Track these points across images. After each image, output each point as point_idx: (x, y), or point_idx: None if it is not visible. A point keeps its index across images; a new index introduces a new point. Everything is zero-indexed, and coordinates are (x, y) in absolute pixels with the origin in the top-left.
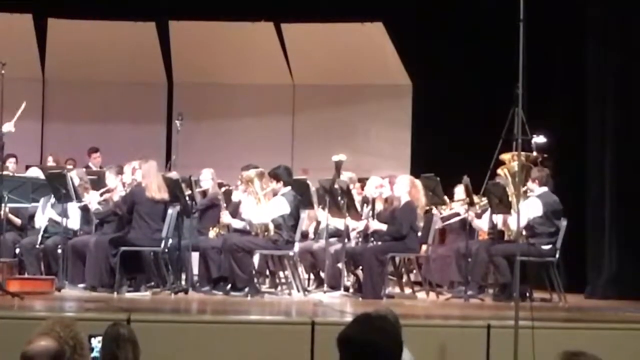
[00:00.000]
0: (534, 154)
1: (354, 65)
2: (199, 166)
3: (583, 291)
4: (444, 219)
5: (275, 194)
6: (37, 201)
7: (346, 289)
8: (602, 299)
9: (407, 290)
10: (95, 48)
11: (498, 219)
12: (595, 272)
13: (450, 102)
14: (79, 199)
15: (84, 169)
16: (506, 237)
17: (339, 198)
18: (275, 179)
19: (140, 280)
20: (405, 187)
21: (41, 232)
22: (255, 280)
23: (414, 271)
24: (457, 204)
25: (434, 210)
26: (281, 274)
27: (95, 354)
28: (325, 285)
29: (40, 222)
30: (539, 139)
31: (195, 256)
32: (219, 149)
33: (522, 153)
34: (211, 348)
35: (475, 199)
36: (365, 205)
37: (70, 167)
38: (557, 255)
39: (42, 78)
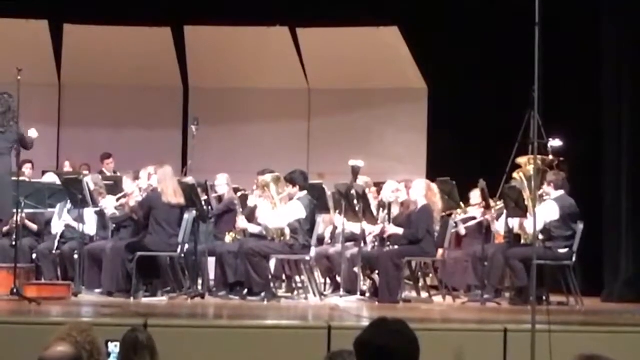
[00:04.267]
0: (550, 157)
1: (369, 69)
2: (215, 171)
3: (600, 294)
4: (464, 221)
5: (291, 199)
6: (54, 207)
7: (362, 293)
8: (619, 302)
9: (424, 294)
10: (111, 53)
11: (514, 222)
12: (612, 275)
13: (466, 105)
14: (95, 204)
15: (99, 174)
16: (522, 241)
17: (355, 202)
18: (291, 184)
19: (156, 285)
20: (422, 191)
21: (58, 238)
22: (272, 284)
23: (431, 275)
24: (473, 208)
25: (453, 214)
26: (297, 278)
27: (112, 358)
28: (342, 289)
29: (57, 227)
30: (555, 142)
31: (211, 261)
32: (234, 154)
33: (538, 156)
34: (228, 353)
35: (491, 202)
36: (381, 209)
37: (86, 172)
38: (574, 259)
39: (58, 83)
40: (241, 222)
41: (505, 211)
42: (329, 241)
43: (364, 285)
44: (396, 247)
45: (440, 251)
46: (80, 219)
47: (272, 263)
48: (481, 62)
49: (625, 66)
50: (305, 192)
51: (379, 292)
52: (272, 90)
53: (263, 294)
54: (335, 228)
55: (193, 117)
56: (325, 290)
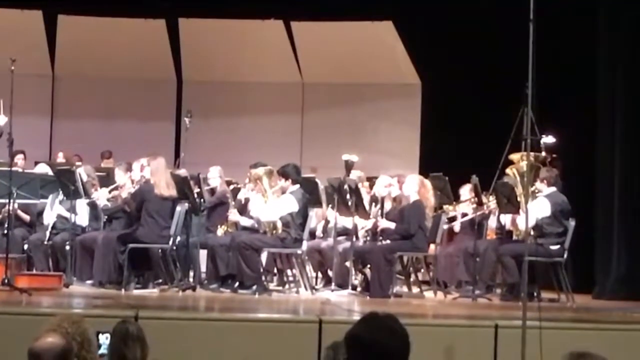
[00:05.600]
0: (543, 154)
1: (363, 63)
2: (208, 164)
3: (591, 291)
4: (459, 217)
5: (283, 192)
6: (46, 197)
7: (354, 288)
8: (610, 299)
9: (415, 290)
10: (105, 45)
11: (506, 218)
12: (603, 273)
13: (459, 101)
14: (87, 195)
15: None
16: (514, 237)
17: (348, 197)
18: (284, 177)
19: (148, 277)
20: (415, 187)
21: (49, 229)
22: (263, 278)
23: (422, 270)
24: (464, 205)
25: (445, 210)
26: (289, 272)
27: (102, 350)
28: (333, 283)
29: (49, 218)
30: (548, 139)
31: (203, 254)
32: (227, 147)
33: (531, 153)
34: (218, 345)
35: (484, 198)
36: (373, 204)
37: (79, 163)
38: (565, 256)
39: (51, 74)
40: (233, 215)
41: (497, 207)
42: (321, 235)
43: (356, 279)
44: (388, 241)
45: (432, 246)
46: (72, 210)
47: (264, 256)
48: (475, 58)
49: (620, 64)
50: (297, 185)
51: (371, 286)
52: (266, 84)
53: (254, 287)
54: (327, 222)
55: (186, 109)
56: (316, 284)
